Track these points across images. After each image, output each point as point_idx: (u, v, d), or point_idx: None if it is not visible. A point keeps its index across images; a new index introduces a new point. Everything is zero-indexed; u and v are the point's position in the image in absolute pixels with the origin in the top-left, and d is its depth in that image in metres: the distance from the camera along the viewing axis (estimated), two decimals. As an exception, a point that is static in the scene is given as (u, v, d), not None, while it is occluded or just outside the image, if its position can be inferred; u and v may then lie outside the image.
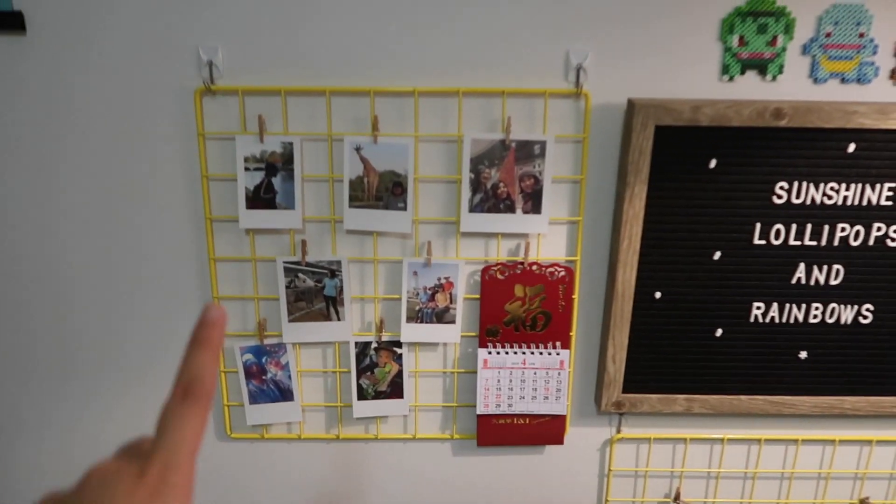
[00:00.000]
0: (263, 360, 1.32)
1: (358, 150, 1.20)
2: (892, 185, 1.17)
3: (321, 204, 1.25)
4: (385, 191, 1.22)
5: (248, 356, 1.32)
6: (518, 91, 1.18)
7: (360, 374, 1.32)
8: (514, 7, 1.14)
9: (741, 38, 1.16)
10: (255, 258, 1.27)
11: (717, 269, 1.23)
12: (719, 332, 1.27)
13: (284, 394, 1.33)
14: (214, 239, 1.27)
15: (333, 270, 1.27)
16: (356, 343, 1.31)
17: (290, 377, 1.32)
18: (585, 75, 1.18)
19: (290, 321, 1.29)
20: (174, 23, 1.16)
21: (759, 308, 1.25)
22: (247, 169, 1.21)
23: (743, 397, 1.31)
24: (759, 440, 1.38)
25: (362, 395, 1.33)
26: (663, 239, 1.21)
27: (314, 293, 1.28)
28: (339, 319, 1.29)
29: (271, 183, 1.22)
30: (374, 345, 1.31)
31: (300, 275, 1.27)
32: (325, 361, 1.34)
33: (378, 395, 1.33)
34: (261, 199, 1.23)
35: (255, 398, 1.33)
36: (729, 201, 1.19)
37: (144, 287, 1.30)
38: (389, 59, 1.17)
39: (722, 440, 1.38)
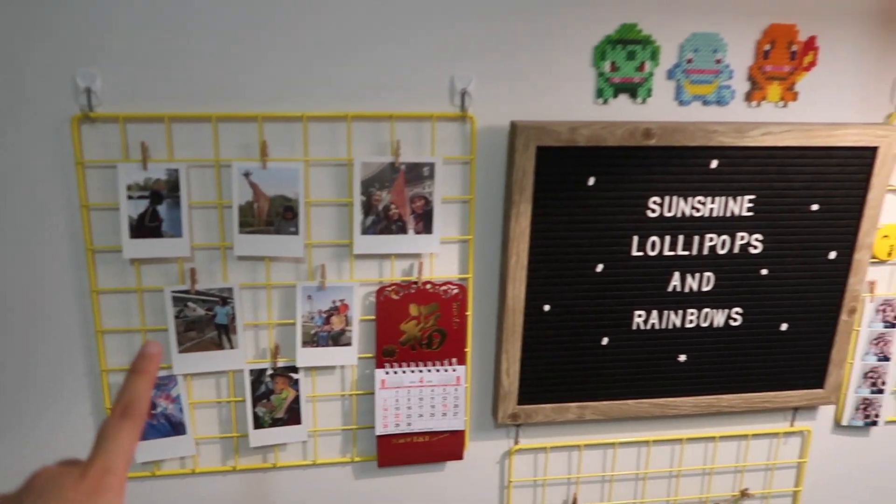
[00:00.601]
0: (153, 393, 1.26)
1: (247, 175, 1.18)
2: (751, 197, 1.26)
3: (210, 231, 1.21)
4: (276, 216, 1.20)
5: (137, 390, 1.25)
6: (406, 115, 1.19)
7: (255, 402, 1.28)
8: (401, 34, 1.16)
9: (613, 63, 1.23)
10: (140, 288, 1.22)
11: (600, 280, 1.28)
12: (605, 340, 1.32)
13: (176, 427, 1.27)
14: (97, 270, 1.20)
15: (225, 298, 1.23)
16: (251, 371, 1.27)
17: (181, 410, 1.27)
18: (470, 99, 1.21)
19: (180, 352, 1.24)
20: (49, 48, 1.10)
21: (640, 316, 1.31)
22: (130, 197, 1.16)
23: (630, 401, 1.36)
24: (647, 442, 1.44)
25: (259, 423, 1.29)
26: (549, 254, 1.25)
27: (205, 322, 1.24)
28: (231, 347, 1.25)
29: (156, 211, 1.18)
30: (269, 371, 1.28)
31: (190, 304, 1.22)
32: (218, 391, 1.29)
33: (275, 423, 1.30)
34: (146, 227, 1.18)
35: (144, 434, 1.26)
36: (608, 216, 1.24)
37: (21, 322, 1.21)
38: (277, 84, 1.16)
39: (614, 444, 1.43)
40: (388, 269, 1.27)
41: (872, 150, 1.26)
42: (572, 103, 1.24)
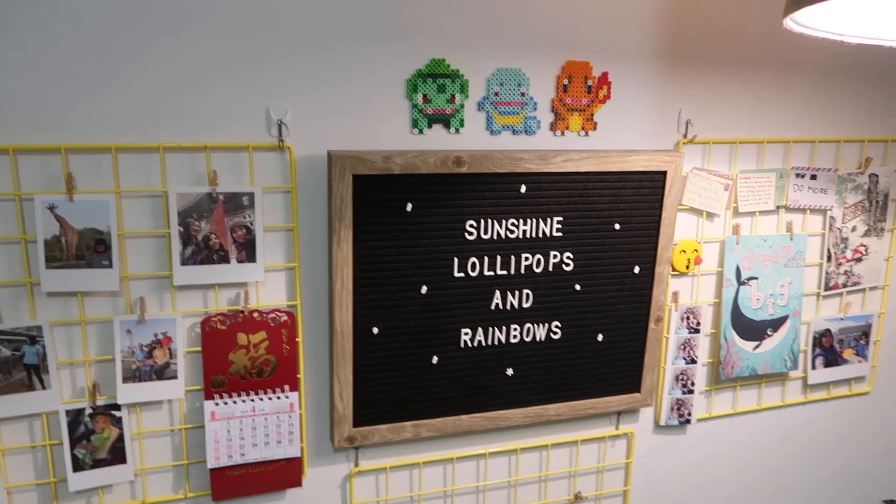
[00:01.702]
0: (-45, 443, 1.15)
1: (52, 208, 1.12)
2: (559, 218, 1.33)
3: (14, 266, 1.13)
4: (87, 249, 1.14)
5: (-64, 441, 1.14)
6: (222, 146, 1.18)
7: (74, 443, 1.20)
8: (217, 66, 1.15)
9: (425, 96, 1.27)
10: (-64, 331, 1.12)
11: (425, 301, 1.30)
12: (435, 359, 1.34)
13: (-17, 478, 1.17)
14: None
15: (33, 336, 1.15)
16: (67, 411, 1.19)
17: (-11, 458, 1.17)
18: (287, 130, 1.21)
19: (-16, 396, 1.14)
20: None
21: (466, 334, 1.34)
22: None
23: (464, 417, 1.38)
24: (484, 455, 1.46)
25: (79, 465, 1.21)
26: (374, 278, 1.26)
27: (12, 363, 1.15)
28: (44, 388, 1.17)
29: (-49, 248, 1.09)
30: (88, 411, 1.20)
31: (-6, 345, 1.14)
32: (32, 435, 1.20)
33: (97, 464, 1.22)
34: (-62, 266, 1.09)
35: (-54, 488, 1.15)
36: (429, 240, 1.27)
37: None
38: (83, 114, 1.11)
39: (452, 459, 1.44)
40: (213, 299, 1.24)
41: (662, 174, 1.37)
42: (390, 133, 1.27)
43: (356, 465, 1.39)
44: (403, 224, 1.25)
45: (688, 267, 1.49)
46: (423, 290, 1.29)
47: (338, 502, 1.40)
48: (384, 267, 1.26)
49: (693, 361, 1.54)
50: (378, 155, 1.20)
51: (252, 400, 1.27)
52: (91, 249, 1.14)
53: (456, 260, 1.30)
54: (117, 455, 1.23)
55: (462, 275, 1.31)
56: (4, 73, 1.06)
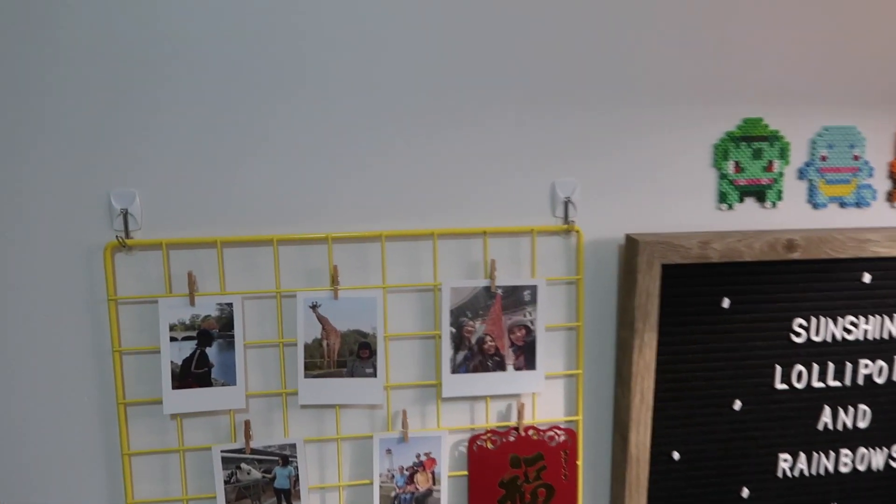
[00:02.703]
0: (195, 580, 0.98)
1: (314, 307, 0.95)
2: (912, 315, 1.03)
3: (269, 376, 0.97)
4: (349, 354, 0.96)
5: (175, 577, 0.97)
6: (501, 230, 0.97)
7: (322, 585, 1.00)
8: (492, 137, 0.96)
9: (737, 164, 1.02)
10: (183, 449, 0.96)
11: (738, 419, 1.02)
12: (745, 491, 1.05)
13: None
14: (129, 429, 0.95)
15: (286, 457, 0.97)
16: (317, 546, 1.00)
17: None
18: (574, 209, 0.99)
19: (230, 527, 0.97)
20: (79, 166, 0.89)
21: (786, 460, 1.05)
22: (173, 339, 0.92)
23: (776, 566, 1.08)
24: None
25: None
26: (678, 390, 1.00)
27: (262, 487, 0.97)
28: (294, 518, 0.98)
29: (205, 354, 0.94)
30: (339, 546, 1.00)
31: (243, 465, 0.96)
32: (276, 573, 1.01)
33: None
34: (192, 374, 0.93)
35: None
36: (745, 343, 1.00)
37: (40, 492, 0.95)
38: (348, 200, 0.94)
39: None
40: (482, 413, 1.02)
41: None
42: (691, 211, 1.02)
43: None
44: (717, 324, 0.99)
45: None
46: (737, 405, 1.02)
47: None
48: (691, 377, 1.00)
49: None
50: (693, 239, 0.95)
51: (523, 537, 1.02)
52: (354, 355, 0.96)
53: (778, 368, 1.01)
54: None
55: (785, 386, 1.02)
56: (264, 154, 0.91)
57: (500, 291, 0.97)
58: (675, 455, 1.02)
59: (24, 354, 0.92)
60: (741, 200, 1.03)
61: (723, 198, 1.02)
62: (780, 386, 1.02)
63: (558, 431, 1.01)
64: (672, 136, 1.00)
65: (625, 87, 0.97)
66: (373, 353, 0.96)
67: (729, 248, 0.96)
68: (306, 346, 0.95)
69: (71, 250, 0.91)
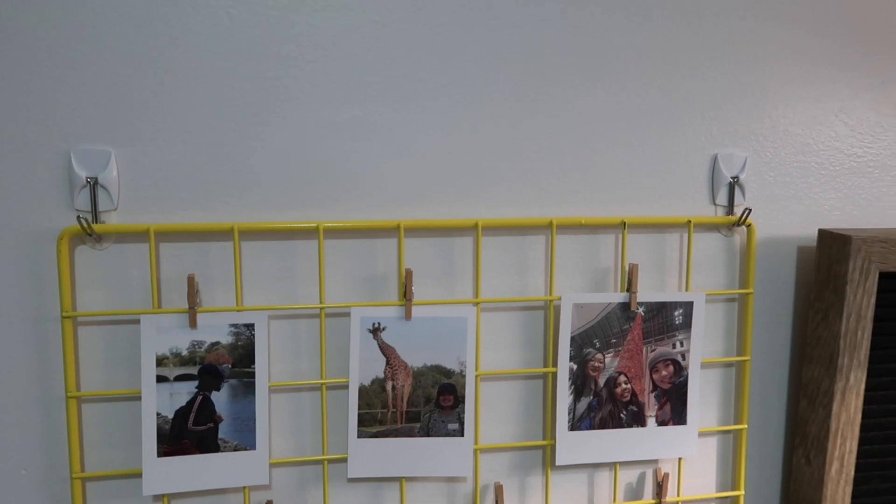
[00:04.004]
0: None
1: (376, 331, 0.63)
2: None
3: (304, 435, 0.65)
4: (425, 403, 0.64)
5: None
6: (645, 222, 0.67)
7: None
8: (628, 93, 0.66)
9: (954, 137, 0.74)
10: (171, 545, 0.63)
11: (962, 496, 0.73)
12: None
13: None
14: (89, 515, 0.62)
15: (327, 556, 0.65)
16: None
17: None
18: (743, 196, 0.70)
19: None
20: (25, 110, 0.57)
21: None
22: (162, 379, 0.60)
23: None
24: None
25: None
26: (886, 454, 0.70)
27: None
28: None
29: (209, 402, 0.61)
30: None
31: (262, 570, 0.64)
32: None
33: None
34: (189, 433, 0.61)
35: None
36: (979, 388, 0.71)
37: None
38: (428, 175, 0.64)
39: None
40: (605, 486, 0.71)
41: None
42: (888, 200, 0.74)
43: None
44: (944, 360, 0.70)
45: None
46: (962, 475, 0.72)
47: None
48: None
49: None
50: (923, 238, 0.66)
51: None
52: (432, 403, 0.64)
53: None
54: None
55: None
56: (305, 110, 0.60)
57: (641, 310, 0.67)
58: (880, 547, 0.71)
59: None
60: (958, 189, 0.74)
61: (934, 185, 0.74)
62: None
63: (714, 512, 0.71)
64: (882, 96, 0.71)
65: (820, 26, 0.68)
66: (459, 400, 0.64)
67: (970, 251, 0.67)
68: (362, 390, 0.63)
69: (7, 240, 0.58)
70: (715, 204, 0.70)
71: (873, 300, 0.66)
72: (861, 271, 0.65)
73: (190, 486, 0.60)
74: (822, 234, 0.68)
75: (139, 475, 0.61)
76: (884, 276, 0.66)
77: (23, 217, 0.58)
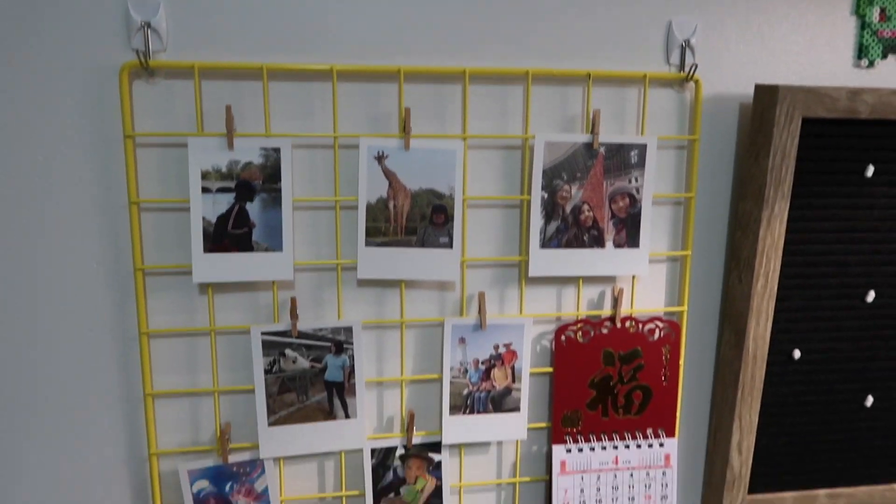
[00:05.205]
0: (227, 487, 0.80)
1: (380, 158, 0.76)
2: None
3: (321, 242, 0.78)
4: (420, 219, 0.78)
5: (203, 484, 0.80)
6: (608, 75, 0.79)
7: (378, 497, 0.83)
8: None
9: (882, 11, 0.84)
10: (214, 329, 0.78)
11: (869, 314, 0.86)
12: (870, 399, 0.89)
13: (261, 540, 0.82)
14: (147, 301, 0.76)
15: (340, 343, 0.79)
16: (373, 451, 0.82)
17: (270, 513, 0.81)
18: (692, 56, 0.81)
19: (271, 424, 0.79)
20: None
21: (918, 365, 0.90)
22: (206, 190, 0.74)
23: (896, 486, 0.93)
24: (905, 541, 1.00)
25: (382, 529, 0.84)
26: (806, 276, 0.84)
27: (310, 379, 0.79)
28: (347, 416, 0.81)
29: (245, 211, 0.75)
30: (399, 451, 0.83)
31: (288, 352, 0.78)
32: (323, 482, 0.84)
33: (406, 528, 0.85)
34: (228, 235, 0.75)
35: (213, 552, 0.80)
36: (887, 222, 0.84)
37: (37, 383, 0.76)
38: (426, 28, 0.75)
39: (862, 545, 0.99)
40: (572, 298, 0.85)
41: None
42: (823, 64, 0.85)
43: (731, 545, 0.96)
44: (858, 196, 0.82)
45: None
46: (870, 296, 0.86)
47: None
48: (822, 261, 0.84)
49: None
50: (842, 91, 0.78)
51: (615, 447, 0.86)
52: (426, 220, 0.78)
53: (921, 254, 0.86)
54: (431, 516, 0.85)
55: (926, 276, 0.86)
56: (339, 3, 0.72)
57: (602, 149, 0.80)
58: (797, 353, 0.86)
59: (15, 209, 0.72)
60: (884, 56, 0.85)
61: (863, 52, 0.85)
62: (921, 275, 0.86)
63: (660, 324, 0.85)
64: (810, -28, 0.82)
65: None
66: (449, 218, 0.78)
67: (882, 101, 0.79)
68: (369, 207, 0.76)
69: (76, 73, 0.71)
70: (669, 63, 0.81)
71: (797, 141, 0.78)
72: (786, 116, 0.77)
73: (230, 276, 0.75)
74: (758, 87, 0.80)
75: (188, 269, 0.75)
76: (807, 122, 0.78)
77: (87, 55, 0.71)
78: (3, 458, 0.77)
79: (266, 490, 0.80)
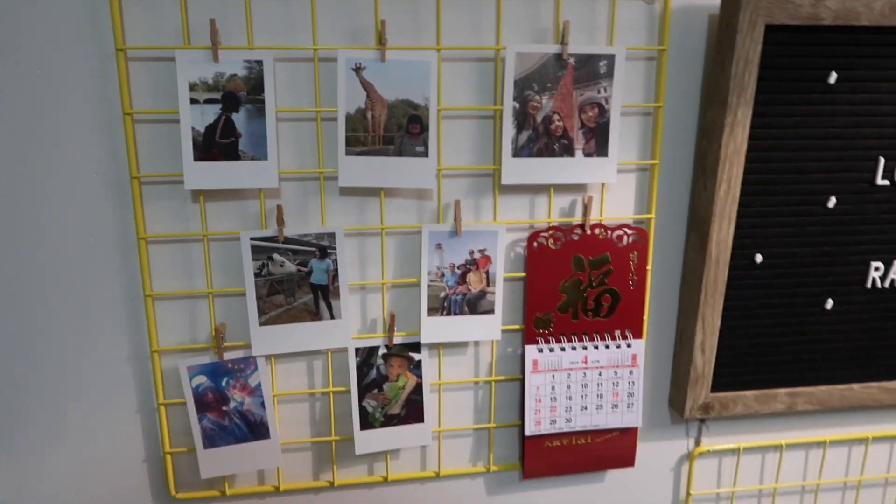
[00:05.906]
0: (223, 382, 0.87)
1: (358, 70, 0.80)
2: None
3: (303, 151, 0.83)
4: (397, 129, 0.82)
5: (201, 379, 0.86)
6: (576, -13, 0.82)
7: (363, 393, 0.90)
8: None
9: (851, -81, 0.86)
10: (206, 234, 0.83)
11: (830, 219, 0.90)
12: (829, 303, 0.94)
13: (255, 429, 0.88)
14: (144, 208, 0.82)
15: (324, 248, 0.85)
16: (357, 350, 0.89)
17: (262, 405, 0.88)
18: (661, -33, 0.83)
19: (261, 324, 0.85)
20: None
21: (877, 269, 0.93)
22: (194, 101, 0.78)
23: (855, 386, 0.98)
24: (865, 439, 1.06)
25: (367, 422, 0.90)
26: (768, 183, 0.87)
27: (297, 282, 0.85)
28: (332, 317, 0.87)
29: (231, 121, 0.79)
30: (381, 350, 0.89)
31: (276, 256, 0.84)
32: (311, 379, 0.90)
33: (389, 421, 0.91)
34: (216, 145, 0.79)
35: (212, 439, 0.87)
36: (849, 129, 0.87)
37: (43, 286, 0.83)
38: (398, -59, 0.78)
39: (823, 443, 1.05)
40: (543, 207, 0.89)
41: None
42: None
43: (698, 443, 1.02)
44: (820, 104, 0.85)
45: None
46: (831, 202, 0.89)
47: (668, 490, 1.04)
48: (784, 167, 0.87)
49: None
50: (804, -4, 0.80)
51: (584, 347, 0.92)
52: (403, 130, 0.82)
53: (882, 161, 0.89)
54: (413, 411, 0.91)
55: (887, 182, 0.89)
56: None
57: (572, 60, 0.83)
58: (758, 258, 0.90)
59: (14, 124, 0.77)
60: (852, -34, 0.87)
61: (831, -38, 0.87)
62: (881, 182, 0.89)
63: (628, 231, 0.89)
64: None
65: None
66: (424, 128, 0.82)
67: (845, 7, 0.81)
68: (348, 118, 0.81)
69: (68, -10, 0.75)
70: (638, -26, 0.84)
71: (759, 48, 0.81)
72: (749, 23, 0.80)
73: (219, 184, 0.80)
74: (727, -5, 0.82)
75: (181, 178, 0.80)
76: (771, 29, 0.81)
77: (79, -28, 0.75)
78: (15, 354, 0.84)
79: (259, 385, 0.87)
